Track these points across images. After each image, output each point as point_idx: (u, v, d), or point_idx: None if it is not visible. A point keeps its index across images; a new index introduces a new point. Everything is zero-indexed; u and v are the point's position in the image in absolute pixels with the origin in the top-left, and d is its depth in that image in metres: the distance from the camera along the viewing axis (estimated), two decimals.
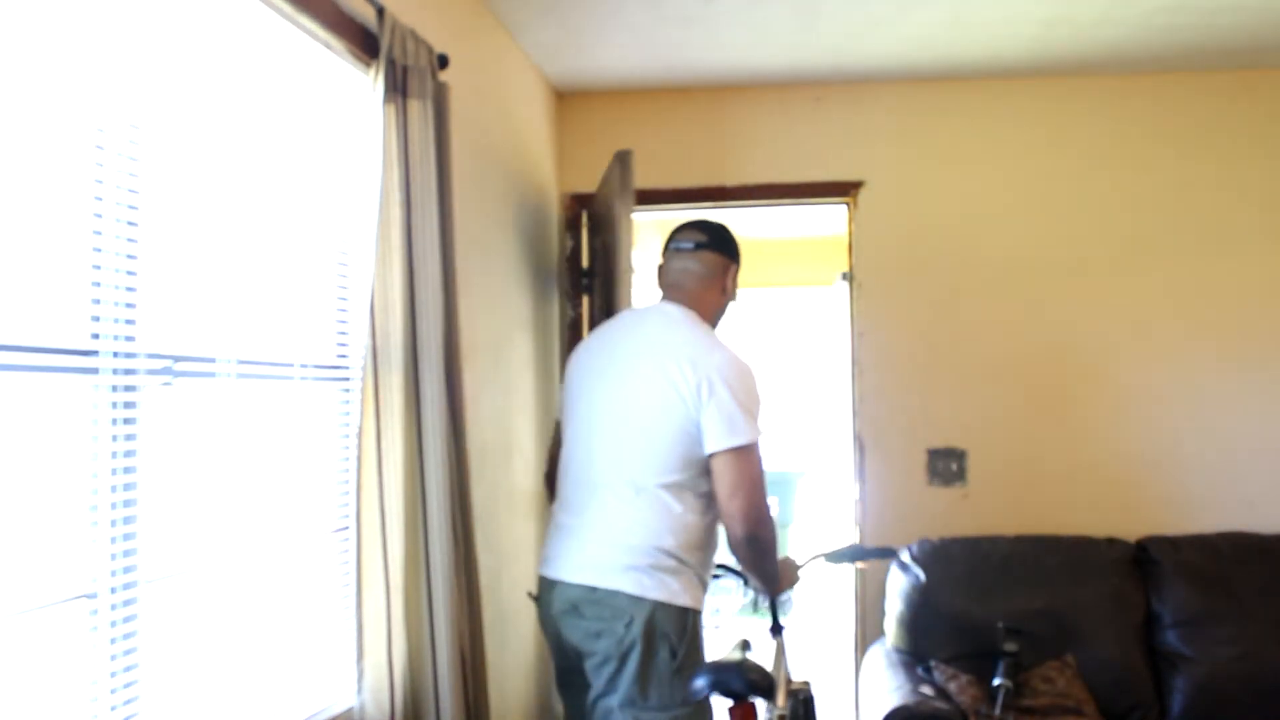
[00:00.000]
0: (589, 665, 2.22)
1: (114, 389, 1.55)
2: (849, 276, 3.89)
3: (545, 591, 2.30)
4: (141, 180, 1.61)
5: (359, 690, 2.10)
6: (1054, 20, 3.21)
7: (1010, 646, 2.97)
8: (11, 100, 1.37)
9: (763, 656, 2.43)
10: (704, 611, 2.27)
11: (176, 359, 1.69)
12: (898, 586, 3.41)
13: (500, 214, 3.22)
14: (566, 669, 2.33)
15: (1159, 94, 3.73)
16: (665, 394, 2.19)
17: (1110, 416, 3.69)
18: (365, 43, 2.21)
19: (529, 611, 3.30)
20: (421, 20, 2.48)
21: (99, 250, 1.52)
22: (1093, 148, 3.75)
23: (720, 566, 2.74)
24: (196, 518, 1.76)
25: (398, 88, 2.21)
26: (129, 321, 1.58)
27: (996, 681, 2.92)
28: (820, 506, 6.53)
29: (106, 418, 1.54)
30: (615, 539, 2.18)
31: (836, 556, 2.72)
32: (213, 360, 1.80)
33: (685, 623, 2.18)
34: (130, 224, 1.58)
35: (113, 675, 1.55)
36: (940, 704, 2.88)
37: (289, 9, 1.95)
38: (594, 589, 2.16)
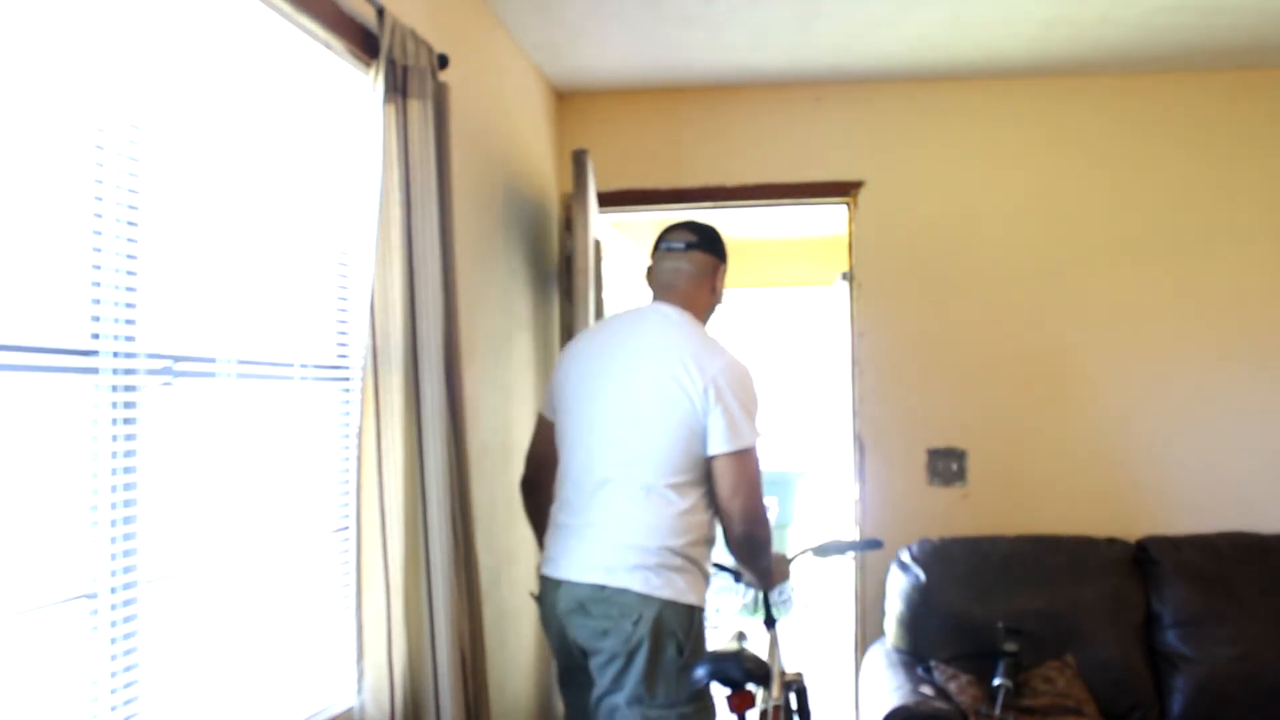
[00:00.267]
0: (594, 664, 2.23)
1: (114, 389, 1.55)
2: (849, 276, 3.89)
3: (549, 591, 2.29)
4: (141, 180, 1.61)
5: (359, 690, 2.10)
6: (1054, 20, 3.21)
7: (1010, 646, 2.97)
8: (12, 100, 1.37)
9: (757, 649, 2.47)
10: (706, 609, 2.30)
11: (176, 359, 1.69)
12: (898, 586, 3.41)
13: (500, 214, 3.22)
14: (570, 667, 2.33)
15: (1159, 94, 3.73)
16: (673, 395, 2.21)
17: (1110, 416, 3.69)
18: (365, 43, 2.21)
19: (529, 611, 3.30)
20: (421, 20, 2.48)
21: (99, 250, 1.52)
22: (1093, 148, 3.75)
23: (714, 564, 2.77)
24: (196, 518, 1.76)
25: (398, 88, 2.21)
26: (129, 321, 1.58)
27: (996, 681, 2.92)
28: (820, 506, 6.53)
29: (106, 418, 1.54)
30: (624, 538, 2.18)
31: (824, 550, 2.81)
32: (213, 360, 1.80)
33: (691, 620, 2.21)
34: (130, 224, 1.58)
35: (113, 675, 1.55)
36: (940, 704, 2.88)
37: (289, 9, 1.95)
38: (602, 587, 2.17)
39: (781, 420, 7.41)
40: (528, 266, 3.48)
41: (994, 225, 3.77)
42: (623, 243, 5.09)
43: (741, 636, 2.45)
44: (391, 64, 2.19)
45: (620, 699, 2.17)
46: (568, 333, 3.84)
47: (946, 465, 3.73)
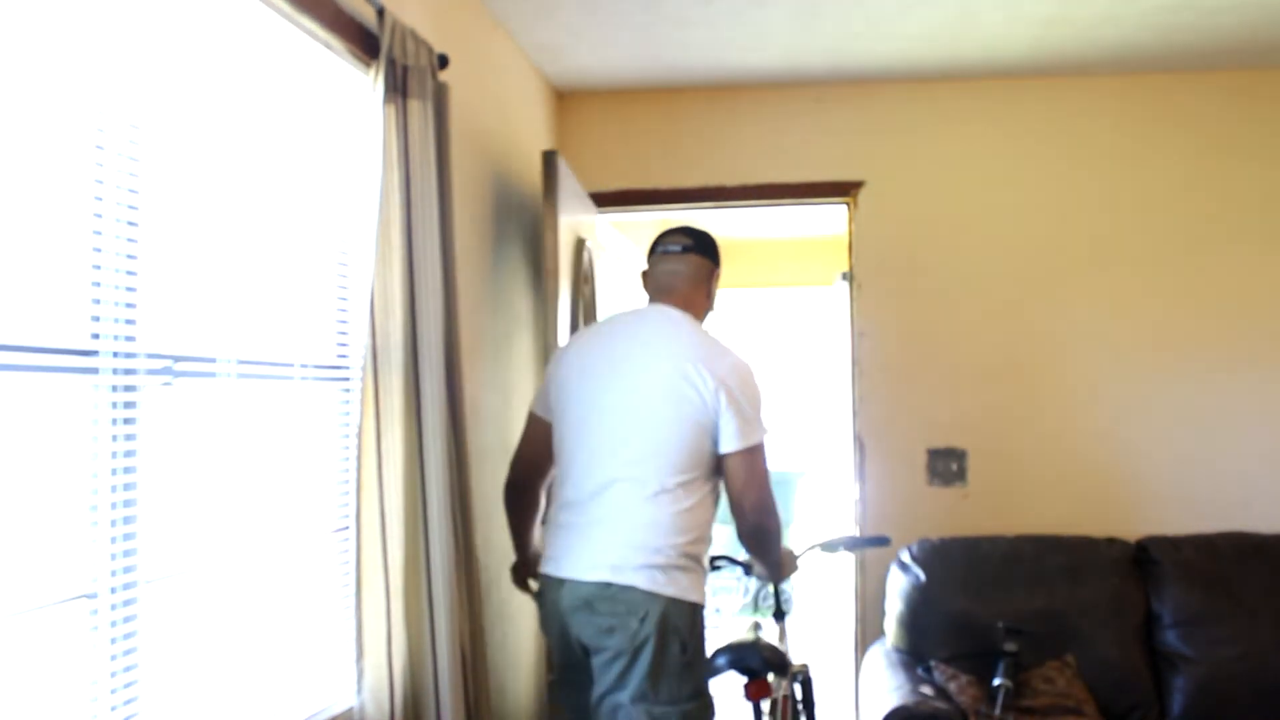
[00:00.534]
0: (597, 662, 2.23)
1: (114, 389, 1.55)
2: (849, 276, 3.89)
3: (552, 589, 2.29)
4: (141, 180, 1.61)
5: (359, 690, 2.10)
6: (1054, 20, 3.21)
7: (1010, 646, 2.97)
8: (12, 101, 1.37)
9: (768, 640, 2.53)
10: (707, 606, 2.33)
11: (176, 359, 1.69)
12: (898, 586, 3.41)
13: (501, 214, 3.22)
14: (570, 666, 2.33)
15: (1159, 94, 3.73)
16: (684, 393, 2.23)
17: (1111, 416, 3.69)
18: (365, 43, 2.21)
19: (529, 611, 3.30)
20: (421, 20, 2.48)
21: (99, 250, 1.52)
22: (1093, 147, 3.75)
23: (722, 558, 2.80)
24: (196, 518, 1.76)
25: (398, 88, 2.21)
26: (129, 321, 1.58)
27: (996, 681, 2.92)
28: (821, 506, 6.53)
29: (106, 418, 1.54)
30: (632, 537, 2.19)
31: (831, 545, 2.86)
32: (213, 360, 1.80)
33: (694, 618, 2.23)
34: (130, 224, 1.58)
35: (113, 675, 1.55)
36: (940, 704, 2.88)
37: (289, 9, 1.95)
38: (608, 585, 2.17)
39: (782, 420, 7.41)
40: (528, 266, 3.48)
41: (994, 225, 3.77)
42: (623, 243, 5.08)
43: (757, 627, 2.52)
44: (391, 64, 2.19)
45: (624, 697, 2.17)
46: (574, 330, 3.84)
47: (946, 465, 3.73)
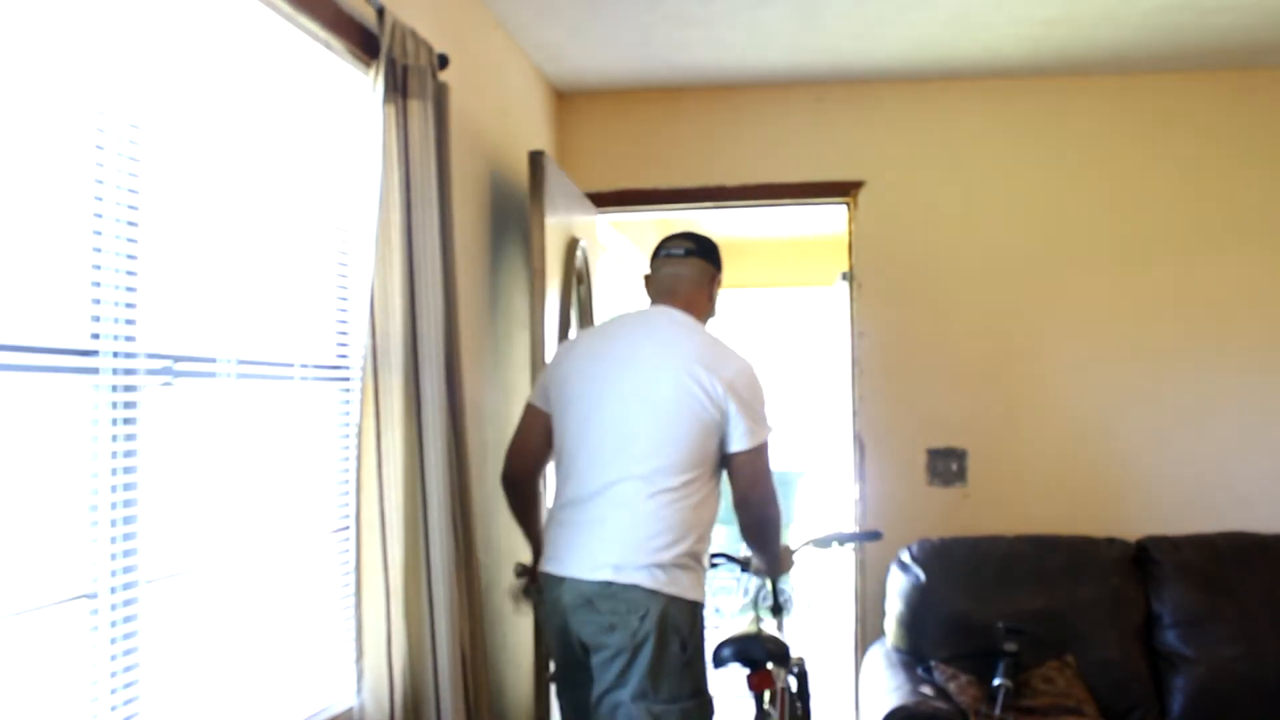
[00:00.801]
0: (598, 660, 2.23)
1: (114, 389, 1.55)
2: (849, 276, 3.89)
3: (552, 587, 2.29)
4: (141, 180, 1.61)
5: (359, 690, 2.10)
6: (1054, 20, 3.21)
7: (1010, 646, 2.97)
8: (12, 100, 1.37)
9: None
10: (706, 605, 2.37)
11: (176, 359, 1.69)
12: (898, 586, 3.41)
13: (501, 214, 3.22)
14: (570, 664, 2.34)
15: (1159, 94, 3.73)
16: (693, 393, 2.25)
17: (1111, 416, 3.69)
18: (365, 43, 2.21)
19: (529, 611, 3.30)
20: (421, 20, 2.48)
21: (99, 250, 1.52)
22: (1093, 147, 3.75)
23: (719, 555, 2.83)
24: (196, 518, 1.76)
25: (398, 88, 2.21)
26: (129, 321, 1.58)
27: (996, 681, 2.92)
28: (821, 506, 6.53)
29: (106, 418, 1.54)
30: (636, 536, 2.21)
31: (824, 541, 2.91)
32: (213, 360, 1.80)
33: (695, 616, 2.25)
34: (130, 224, 1.58)
35: (113, 675, 1.55)
36: (940, 704, 2.88)
37: (289, 9, 1.95)
38: (610, 584, 2.19)
39: (782, 420, 7.41)
40: (528, 266, 3.47)
41: (994, 225, 3.77)
42: (623, 243, 5.08)
43: (758, 620, 2.59)
44: (391, 64, 2.19)
45: (624, 695, 2.18)
46: (561, 333, 3.84)
47: (946, 465, 3.73)
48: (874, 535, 2.99)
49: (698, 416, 2.25)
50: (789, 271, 6.93)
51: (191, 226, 1.76)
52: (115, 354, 1.55)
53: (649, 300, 2.50)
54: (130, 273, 1.58)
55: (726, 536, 6.03)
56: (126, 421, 1.57)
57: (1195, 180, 3.71)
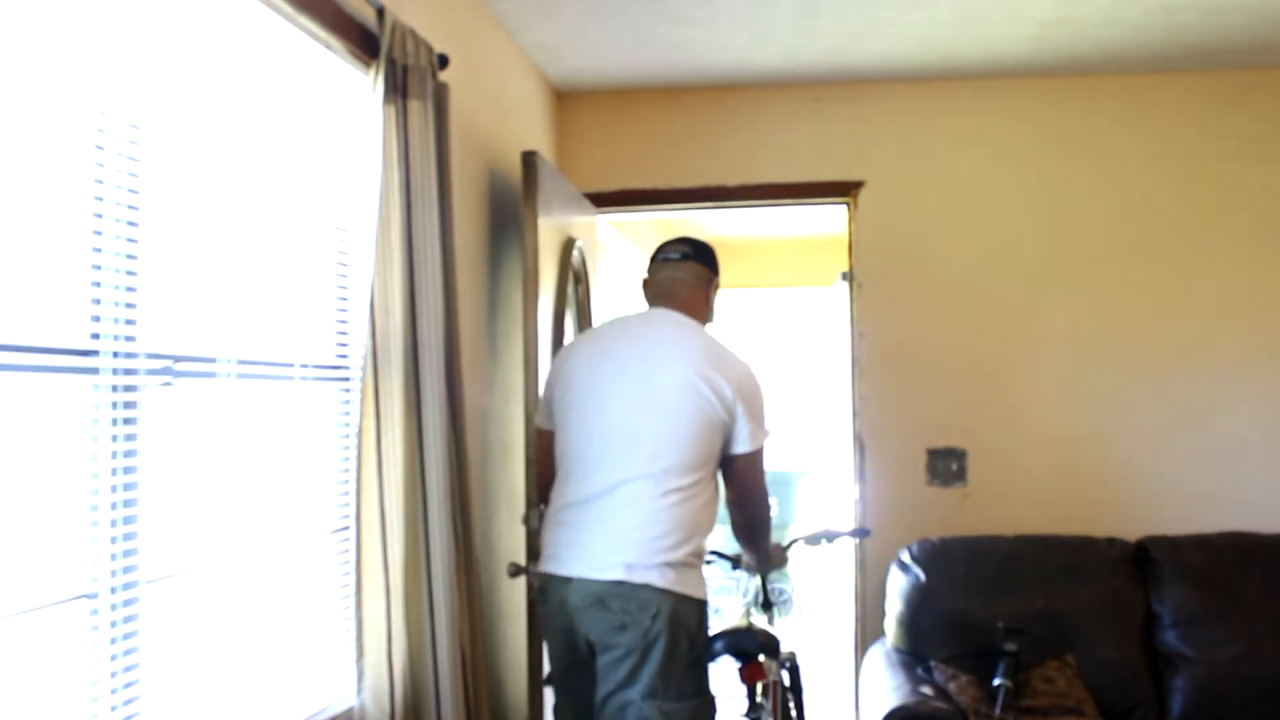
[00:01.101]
0: (606, 659, 2.24)
1: (114, 389, 1.55)
2: (849, 276, 3.89)
3: (556, 587, 2.29)
4: (141, 180, 1.61)
5: (359, 690, 2.10)
6: (1054, 20, 3.21)
7: (1010, 646, 2.97)
8: (12, 100, 1.37)
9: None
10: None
11: (176, 359, 1.69)
12: (898, 586, 3.41)
13: (501, 214, 3.22)
14: (572, 665, 2.34)
15: (1159, 94, 3.73)
16: (701, 395, 2.28)
17: (1111, 416, 3.69)
18: (365, 43, 2.21)
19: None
20: (421, 20, 2.48)
21: (99, 250, 1.52)
22: (1093, 147, 3.75)
23: (712, 553, 2.87)
24: (197, 518, 1.76)
25: (398, 88, 2.21)
26: (129, 321, 1.58)
27: (996, 681, 2.92)
28: (821, 506, 6.53)
29: (106, 418, 1.54)
30: (646, 535, 2.22)
31: (813, 539, 2.95)
32: (213, 360, 1.80)
33: (701, 615, 2.29)
34: (130, 224, 1.58)
35: (113, 675, 1.55)
36: (940, 704, 2.88)
37: (289, 9, 1.95)
38: (621, 583, 2.20)
39: (782, 420, 7.40)
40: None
41: (994, 225, 3.77)
42: (623, 243, 5.08)
43: (749, 613, 2.65)
44: (391, 64, 2.19)
45: (634, 694, 2.19)
46: (559, 331, 3.84)
47: (946, 465, 3.73)
48: (863, 532, 3.05)
49: (706, 416, 2.27)
50: (789, 271, 6.93)
51: (191, 226, 1.76)
52: (115, 354, 1.55)
53: (647, 304, 2.53)
54: (130, 273, 1.58)
55: (724, 535, 6.04)
56: (126, 421, 1.57)
57: (1195, 180, 3.71)
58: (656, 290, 2.51)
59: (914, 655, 3.29)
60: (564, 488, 2.37)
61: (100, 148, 1.52)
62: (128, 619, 1.58)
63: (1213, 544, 3.39)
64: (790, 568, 6.68)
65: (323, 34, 2.08)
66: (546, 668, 2.53)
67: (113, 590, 1.55)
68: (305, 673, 2.10)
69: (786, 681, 2.88)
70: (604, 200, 3.88)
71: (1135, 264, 3.71)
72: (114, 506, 1.55)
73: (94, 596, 1.52)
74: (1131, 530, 3.52)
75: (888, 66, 3.65)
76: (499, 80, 3.22)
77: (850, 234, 3.86)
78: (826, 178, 3.84)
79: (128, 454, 1.58)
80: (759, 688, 2.62)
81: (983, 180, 3.79)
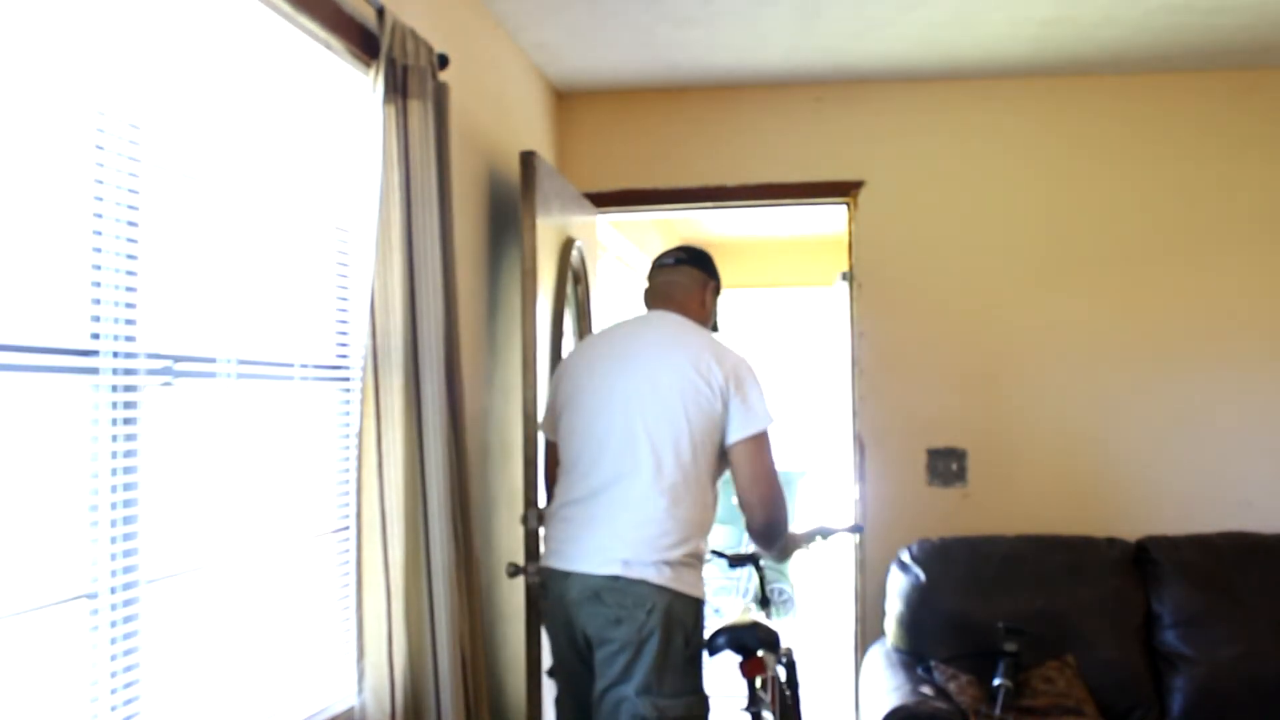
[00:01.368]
0: (602, 654, 2.26)
1: (114, 389, 1.55)
2: (849, 276, 3.89)
3: (557, 582, 2.33)
4: (142, 180, 1.61)
5: (359, 690, 2.10)
6: (1054, 20, 3.21)
7: (1010, 646, 2.97)
8: (12, 100, 1.37)
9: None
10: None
11: (176, 359, 1.69)
12: (898, 586, 3.41)
13: (501, 214, 3.22)
14: (572, 659, 2.37)
15: (1159, 94, 3.73)
16: (697, 388, 2.29)
17: (1111, 416, 3.68)
18: (365, 43, 2.21)
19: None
20: (421, 20, 2.48)
21: (99, 250, 1.52)
22: (1093, 147, 3.75)
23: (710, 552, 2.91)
24: (197, 518, 1.76)
25: (398, 88, 2.21)
26: (129, 321, 1.58)
27: (996, 681, 2.92)
28: (821, 506, 6.53)
29: (106, 418, 1.54)
30: (644, 532, 2.24)
31: (807, 536, 2.97)
32: (213, 360, 1.80)
33: (697, 612, 2.30)
34: (130, 224, 1.58)
35: (113, 675, 1.55)
36: (940, 704, 2.88)
37: (289, 9, 1.95)
38: (618, 578, 2.22)
39: (782, 420, 7.40)
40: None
41: (994, 225, 3.77)
42: (623, 243, 5.08)
43: (748, 609, 2.68)
44: (391, 64, 2.19)
45: (629, 689, 2.21)
46: (558, 330, 3.83)
47: (946, 465, 3.73)
48: (856, 529, 3.12)
49: (702, 410, 2.29)
50: (789, 271, 6.93)
51: (191, 227, 1.76)
52: (115, 354, 1.55)
53: (646, 308, 2.59)
54: (130, 273, 1.58)
55: (724, 535, 6.04)
56: (126, 421, 1.57)
57: (1195, 180, 3.71)
58: (655, 295, 2.57)
59: (914, 655, 3.29)
60: (566, 486, 2.40)
61: (100, 148, 1.52)
62: (128, 619, 1.57)
63: (1213, 544, 3.39)
64: (790, 568, 6.69)
65: (323, 34, 2.08)
66: (549, 660, 2.56)
67: (113, 590, 1.55)
68: (306, 673, 2.10)
69: (784, 677, 2.93)
70: (604, 200, 3.88)
71: (1135, 264, 3.71)
72: (114, 506, 1.55)
73: (94, 596, 1.52)
74: (1131, 530, 3.52)
75: (888, 66, 3.65)
76: (499, 80, 3.22)
77: (850, 234, 3.86)
78: (826, 178, 3.84)
79: (128, 454, 1.58)
80: (759, 682, 2.66)
81: (983, 180, 3.79)
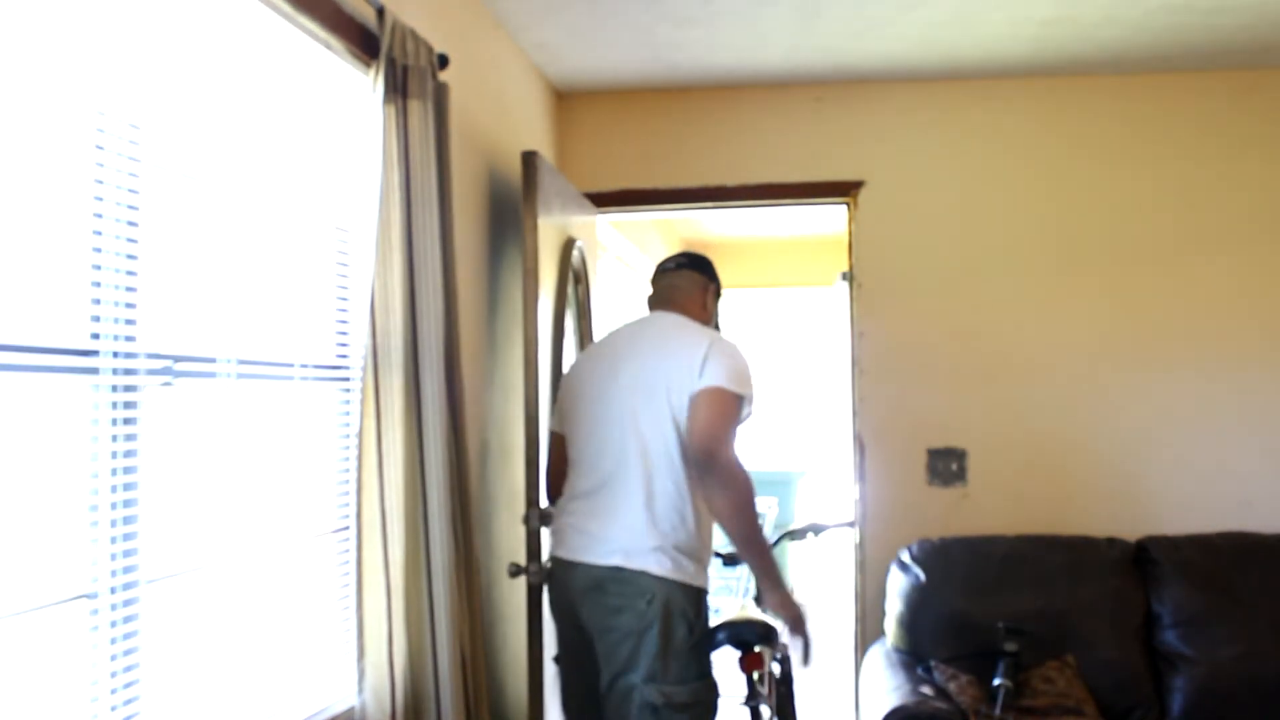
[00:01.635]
0: (605, 643, 2.32)
1: (114, 389, 1.55)
2: (849, 276, 3.89)
3: (562, 572, 2.40)
4: (142, 180, 1.61)
5: (360, 690, 2.10)
6: (1054, 20, 3.21)
7: (1010, 646, 2.97)
8: (12, 100, 1.37)
9: None
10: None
11: (176, 359, 1.69)
12: (898, 586, 3.41)
13: (501, 214, 3.22)
14: (576, 648, 2.43)
15: (1159, 94, 3.73)
16: (684, 381, 2.33)
17: (1111, 416, 3.68)
18: (365, 43, 2.21)
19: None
20: (421, 20, 2.48)
21: (99, 250, 1.52)
22: (1093, 147, 3.75)
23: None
24: (197, 518, 1.76)
25: (398, 88, 2.21)
26: (129, 321, 1.58)
27: (996, 681, 2.92)
28: (820, 506, 6.53)
29: (106, 418, 1.54)
30: (645, 523, 2.30)
31: (799, 533, 2.97)
32: (213, 360, 1.80)
33: (700, 602, 2.35)
34: (130, 224, 1.58)
35: (113, 675, 1.55)
36: (940, 704, 2.88)
37: (289, 9, 1.95)
38: (620, 569, 2.29)
39: (782, 420, 7.41)
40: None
41: (994, 225, 3.77)
42: (623, 243, 5.08)
43: (745, 607, 2.74)
44: (391, 64, 2.19)
45: (636, 678, 2.26)
46: (559, 330, 3.83)
47: (946, 465, 3.73)
48: (850, 524, 3.15)
49: (688, 397, 2.33)
50: (789, 271, 6.94)
51: (191, 227, 1.76)
52: (115, 354, 1.55)
53: (648, 311, 2.65)
54: (130, 273, 1.58)
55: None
56: (126, 421, 1.57)
57: (1195, 180, 3.71)
58: (657, 298, 2.65)
59: (914, 655, 3.29)
60: (573, 481, 2.48)
61: (100, 148, 1.52)
62: (128, 619, 1.58)
63: (1213, 544, 3.39)
64: (788, 568, 6.68)
65: (323, 34, 2.08)
66: (554, 648, 2.62)
67: (113, 590, 1.55)
68: (306, 673, 2.10)
69: (777, 672, 2.98)
70: (604, 200, 3.89)
71: (1135, 264, 3.71)
72: (114, 506, 1.55)
73: (94, 596, 1.52)
74: (1131, 530, 3.52)
75: (888, 66, 3.65)
76: (499, 80, 3.22)
77: (850, 234, 3.86)
78: (826, 178, 3.84)
79: (128, 454, 1.58)
80: (756, 676, 2.70)
81: (983, 180, 3.79)
